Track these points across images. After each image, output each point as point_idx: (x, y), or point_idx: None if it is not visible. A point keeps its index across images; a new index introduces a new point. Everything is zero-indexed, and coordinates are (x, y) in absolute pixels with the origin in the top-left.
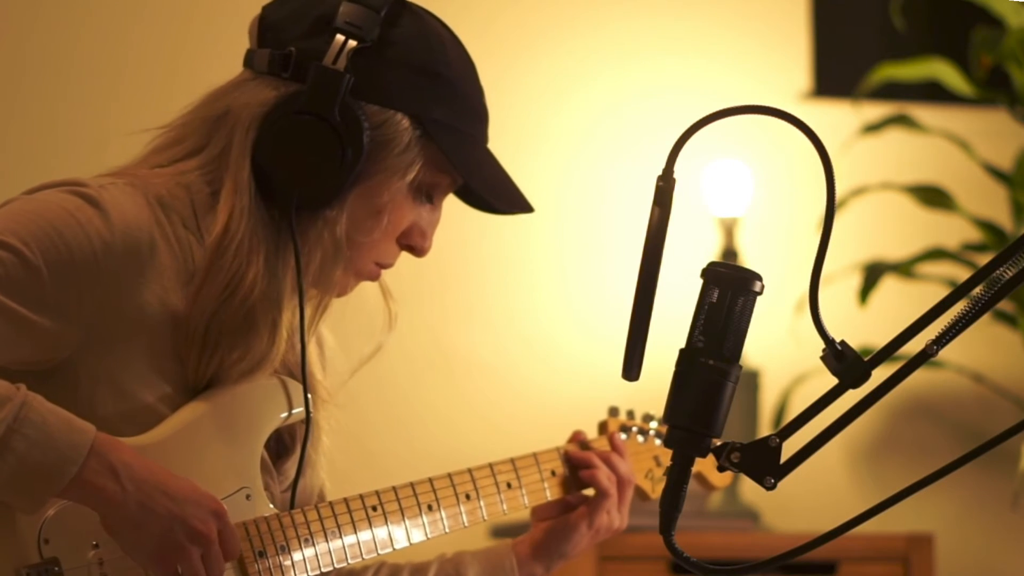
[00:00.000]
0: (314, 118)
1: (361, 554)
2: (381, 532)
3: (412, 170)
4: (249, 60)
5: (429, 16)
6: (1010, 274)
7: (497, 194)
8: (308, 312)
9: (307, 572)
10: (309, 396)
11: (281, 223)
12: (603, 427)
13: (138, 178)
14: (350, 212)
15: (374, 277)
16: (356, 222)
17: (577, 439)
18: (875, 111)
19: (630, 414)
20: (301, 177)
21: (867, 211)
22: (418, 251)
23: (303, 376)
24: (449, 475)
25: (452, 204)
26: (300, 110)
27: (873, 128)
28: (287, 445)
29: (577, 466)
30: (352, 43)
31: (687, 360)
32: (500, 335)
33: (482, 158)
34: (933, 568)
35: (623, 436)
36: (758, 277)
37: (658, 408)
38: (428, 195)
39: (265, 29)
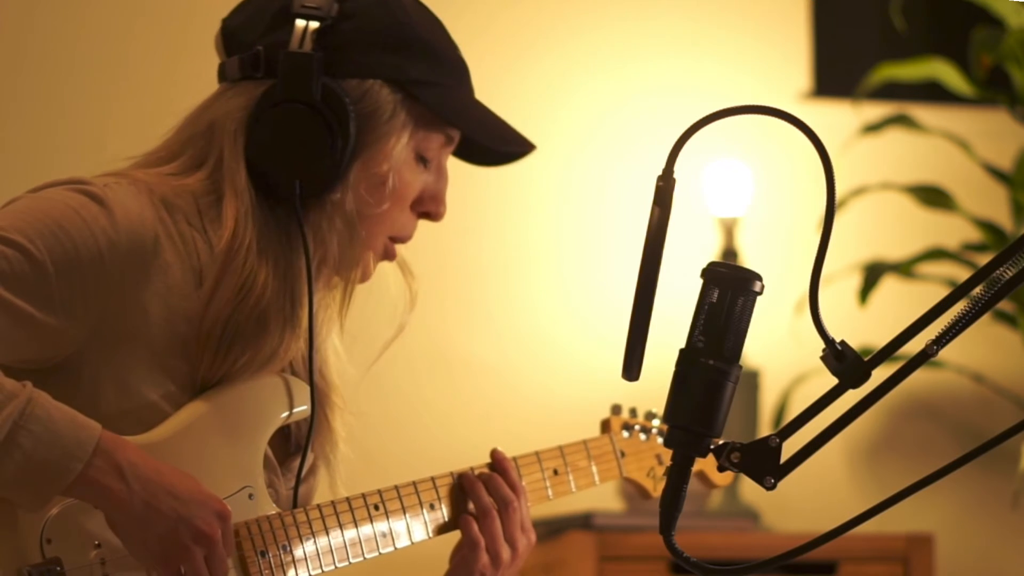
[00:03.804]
0: (295, 105)
1: (363, 553)
2: (383, 530)
3: (404, 134)
4: (222, 73)
5: None
6: (1010, 274)
7: (491, 135)
8: (337, 299)
9: (309, 571)
10: (316, 393)
11: (290, 219)
12: (605, 425)
13: (139, 179)
14: (354, 189)
15: (391, 254)
16: (362, 197)
17: (494, 457)
18: (875, 111)
19: (632, 412)
20: (298, 167)
21: (867, 211)
22: (434, 216)
23: (310, 371)
24: (451, 473)
25: (451, 206)
26: (279, 100)
27: (873, 128)
28: (300, 445)
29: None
30: (314, 24)
31: (687, 360)
32: (500, 335)
33: (469, 105)
34: (933, 568)
35: (625, 434)
36: (758, 277)
37: (659, 407)
38: (426, 158)
39: (229, 38)
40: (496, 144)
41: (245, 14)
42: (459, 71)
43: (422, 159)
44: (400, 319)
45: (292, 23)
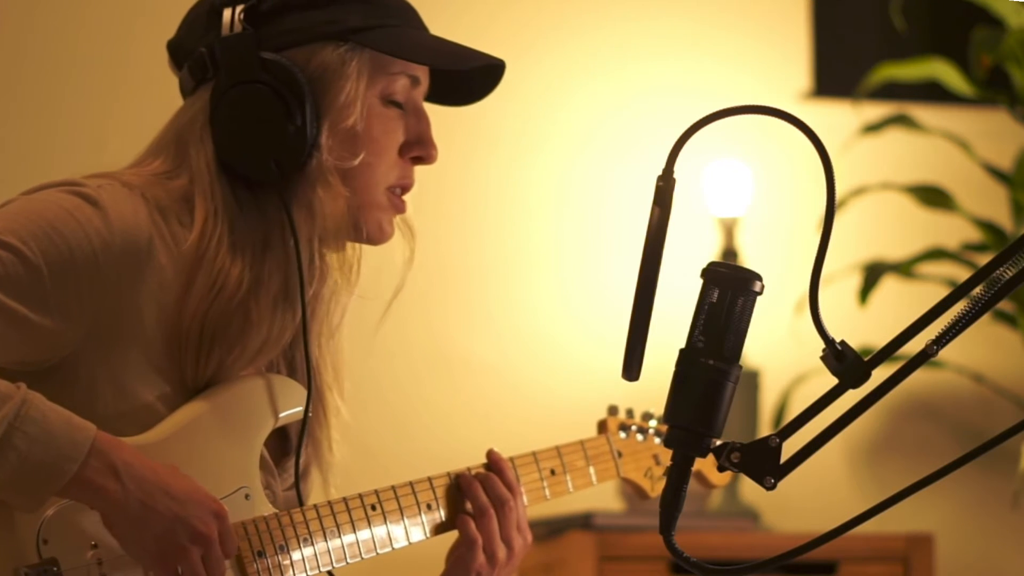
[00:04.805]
0: (243, 87)
1: (360, 553)
2: (380, 531)
3: (361, 82)
4: (181, 89)
5: None
6: (1010, 274)
7: (448, 58)
8: (338, 267)
9: (306, 571)
10: (313, 392)
11: (279, 206)
12: (602, 426)
13: (131, 181)
14: (329, 150)
15: (400, 207)
16: (338, 154)
17: (490, 457)
18: (875, 111)
19: (629, 412)
20: (266, 147)
21: (867, 211)
22: (426, 159)
23: (308, 367)
24: (448, 474)
25: (449, 207)
26: (226, 88)
27: (873, 128)
28: (294, 444)
29: (464, 496)
30: (239, 8)
31: (687, 360)
32: (500, 335)
33: (421, 40)
34: (933, 568)
35: (622, 435)
36: (758, 277)
37: (658, 407)
38: (397, 101)
39: (175, 54)
40: (456, 64)
41: (183, 27)
42: (402, 12)
43: (393, 103)
44: (399, 278)
45: (221, 15)
